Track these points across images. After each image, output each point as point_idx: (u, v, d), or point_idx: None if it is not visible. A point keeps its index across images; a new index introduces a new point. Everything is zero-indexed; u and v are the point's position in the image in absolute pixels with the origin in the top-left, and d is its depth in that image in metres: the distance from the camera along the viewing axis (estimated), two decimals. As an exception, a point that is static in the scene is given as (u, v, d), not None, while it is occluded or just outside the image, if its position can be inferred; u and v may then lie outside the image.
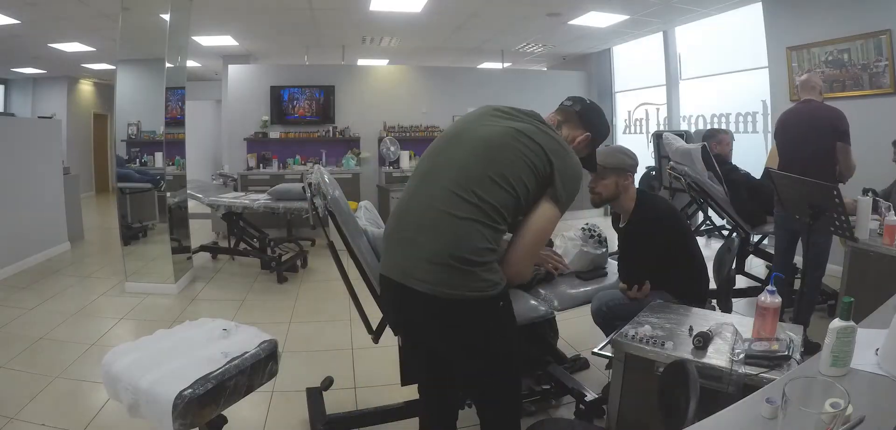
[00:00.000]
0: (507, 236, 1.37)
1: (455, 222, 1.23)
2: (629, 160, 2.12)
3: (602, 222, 2.64)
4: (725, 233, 4.83)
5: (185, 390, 1.21)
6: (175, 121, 4.22)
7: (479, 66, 8.74)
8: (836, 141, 2.81)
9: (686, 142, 3.86)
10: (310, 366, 2.74)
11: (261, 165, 6.68)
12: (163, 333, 1.59)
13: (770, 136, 4.94)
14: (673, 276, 2.09)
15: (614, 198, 2.12)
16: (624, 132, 7.82)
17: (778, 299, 1.49)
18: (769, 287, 1.51)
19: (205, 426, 1.46)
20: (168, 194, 4.24)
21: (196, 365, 1.29)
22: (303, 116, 7.05)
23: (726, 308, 2.33)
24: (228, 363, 1.32)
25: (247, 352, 1.38)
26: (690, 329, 1.61)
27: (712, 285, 2.41)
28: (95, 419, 2.22)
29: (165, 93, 3.96)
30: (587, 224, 2.44)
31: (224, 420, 1.76)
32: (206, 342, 1.46)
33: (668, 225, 2.11)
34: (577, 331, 2.88)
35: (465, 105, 7.68)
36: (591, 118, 1.54)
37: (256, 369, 1.33)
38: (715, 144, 3.68)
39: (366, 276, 1.72)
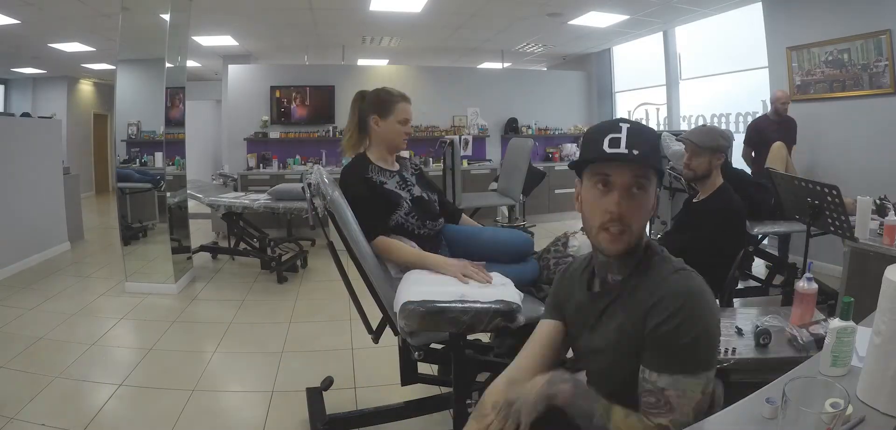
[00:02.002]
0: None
1: None
2: (725, 141, 2.23)
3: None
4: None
5: (410, 302, 1.51)
6: (175, 121, 4.22)
7: (479, 66, 8.74)
8: None
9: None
10: (310, 366, 2.74)
11: (261, 165, 6.68)
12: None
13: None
14: (702, 270, 2.07)
15: (706, 176, 2.23)
16: (624, 132, 7.80)
17: (815, 286, 1.61)
18: (807, 275, 1.61)
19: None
20: (168, 194, 4.24)
21: (439, 294, 1.56)
22: (303, 116, 7.05)
23: (727, 306, 2.34)
24: (458, 300, 1.55)
25: (479, 301, 1.56)
26: (739, 330, 1.65)
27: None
28: (95, 419, 2.22)
29: (165, 93, 3.96)
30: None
31: (331, 381, 2.35)
32: (460, 285, 1.65)
33: (735, 223, 2.18)
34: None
35: (465, 105, 7.70)
36: None
37: (480, 315, 1.54)
38: None
39: (366, 276, 1.72)
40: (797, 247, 3.95)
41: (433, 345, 1.82)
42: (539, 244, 2.15)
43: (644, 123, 7.29)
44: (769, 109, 4.44)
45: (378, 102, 1.97)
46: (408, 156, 2.06)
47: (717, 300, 2.34)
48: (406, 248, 1.82)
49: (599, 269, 1.06)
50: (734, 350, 1.57)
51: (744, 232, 2.40)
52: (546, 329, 1.16)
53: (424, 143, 7.25)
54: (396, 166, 2.04)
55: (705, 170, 2.23)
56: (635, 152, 0.94)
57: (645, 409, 0.92)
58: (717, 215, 2.16)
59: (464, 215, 2.23)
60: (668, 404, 0.90)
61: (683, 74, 6.54)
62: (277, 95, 6.97)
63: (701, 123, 6.09)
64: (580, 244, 2.34)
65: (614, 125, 0.98)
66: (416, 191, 2.00)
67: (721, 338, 1.62)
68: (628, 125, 0.97)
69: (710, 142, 2.20)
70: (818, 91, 4.45)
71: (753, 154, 4.44)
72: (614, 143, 0.95)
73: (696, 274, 0.97)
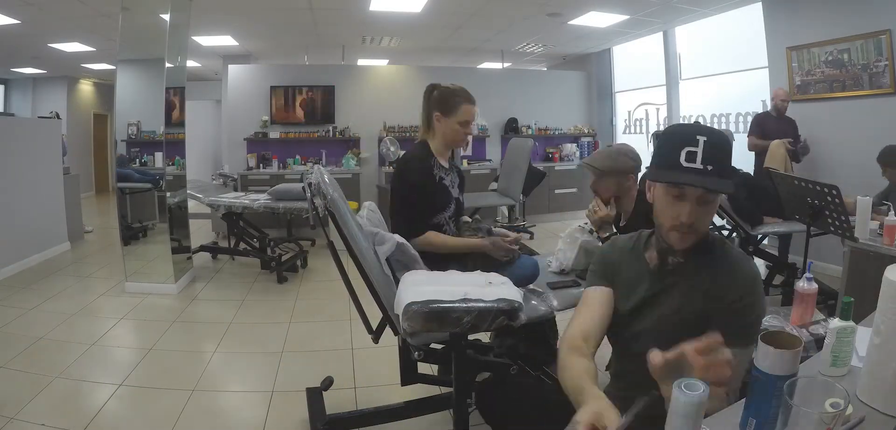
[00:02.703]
0: None
1: None
2: (630, 161, 2.06)
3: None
4: (725, 233, 4.83)
5: (414, 303, 1.52)
6: (175, 121, 4.22)
7: (479, 66, 8.74)
8: None
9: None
10: (310, 366, 2.74)
11: (261, 165, 6.68)
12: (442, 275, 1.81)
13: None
14: None
15: (618, 197, 2.08)
16: (624, 132, 7.82)
17: (815, 286, 1.61)
18: (807, 275, 1.60)
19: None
20: (168, 194, 4.24)
21: (441, 294, 1.56)
22: (303, 116, 7.05)
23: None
24: (461, 300, 1.55)
25: (482, 301, 1.56)
26: None
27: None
28: (95, 419, 2.22)
29: (165, 93, 3.96)
30: (585, 223, 2.44)
31: (331, 381, 2.37)
32: (468, 284, 1.66)
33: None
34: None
35: (465, 105, 7.69)
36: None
37: (483, 315, 1.54)
38: None
39: (366, 276, 1.72)
40: (797, 247, 3.95)
41: (433, 345, 1.82)
42: (538, 245, 2.16)
43: (644, 122, 7.34)
44: (769, 106, 4.49)
45: (442, 100, 2.03)
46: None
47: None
48: (450, 238, 1.97)
49: (661, 252, 1.15)
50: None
51: None
52: (600, 295, 1.20)
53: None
54: (447, 165, 2.11)
55: (613, 193, 2.05)
56: (710, 168, 1.00)
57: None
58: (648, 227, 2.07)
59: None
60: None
61: (683, 74, 6.54)
62: (277, 95, 6.97)
63: (701, 122, 6.10)
64: (564, 250, 2.33)
65: (691, 137, 1.02)
66: (457, 193, 2.12)
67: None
68: (705, 138, 1.01)
69: (611, 165, 2.02)
70: (818, 91, 4.45)
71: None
72: (691, 157, 1.00)
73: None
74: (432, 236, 1.94)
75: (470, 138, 2.11)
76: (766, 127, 4.35)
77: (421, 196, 1.95)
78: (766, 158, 3.93)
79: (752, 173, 4.23)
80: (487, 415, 1.43)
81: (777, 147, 3.97)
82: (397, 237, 1.89)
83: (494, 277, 1.71)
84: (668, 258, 1.13)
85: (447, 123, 2.02)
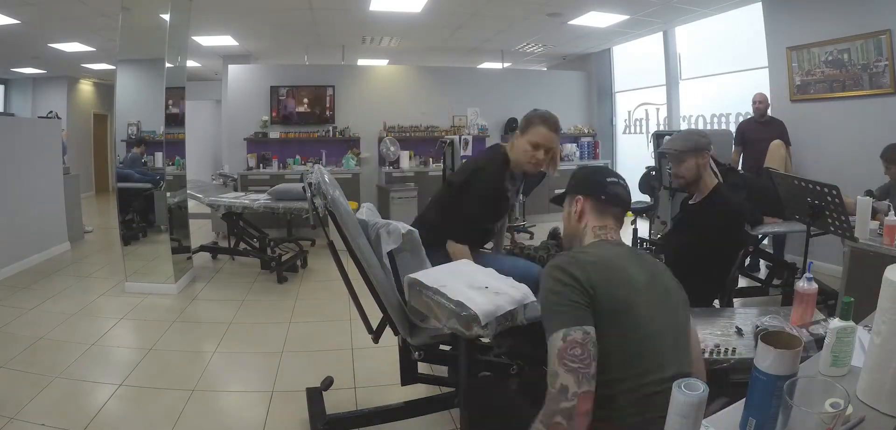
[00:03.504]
0: None
1: None
2: (704, 140, 2.19)
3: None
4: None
5: (486, 313, 1.46)
6: (175, 121, 4.22)
7: (479, 66, 8.74)
8: None
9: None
10: (310, 366, 2.74)
11: (261, 165, 6.68)
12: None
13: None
14: (701, 271, 2.07)
15: (696, 179, 2.19)
16: (624, 132, 7.82)
17: (815, 286, 1.61)
18: (807, 275, 1.60)
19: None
20: (168, 194, 4.24)
21: (498, 298, 1.52)
22: (303, 116, 7.05)
23: (726, 306, 2.34)
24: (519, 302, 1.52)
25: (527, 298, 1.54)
26: (739, 330, 1.65)
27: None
28: (95, 420, 2.22)
29: (165, 93, 3.96)
30: None
31: (331, 381, 2.38)
32: (492, 280, 1.65)
33: (733, 224, 2.17)
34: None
35: (465, 105, 7.70)
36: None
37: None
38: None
39: (366, 276, 1.72)
40: (797, 247, 3.95)
41: (441, 347, 1.83)
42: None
43: (644, 122, 7.34)
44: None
45: (525, 120, 2.08)
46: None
47: (717, 301, 2.35)
48: (464, 251, 1.98)
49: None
50: (734, 350, 1.56)
51: (743, 233, 2.38)
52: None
53: (424, 143, 7.25)
54: (517, 174, 2.17)
55: (694, 174, 2.18)
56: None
57: None
58: (715, 217, 2.14)
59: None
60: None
61: (683, 74, 6.53)
62: (277, 95, 6.97)
63: (701, 123, 6.10)
64: None
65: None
66: (515, 198, 2.22)
67: (708, 337, 1.64)
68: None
69: (689, 145, 2.16)
70: (818, 91, 4.45)
71: (742, 154, 4.59)
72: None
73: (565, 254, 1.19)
74: (460, 249, 1.97)
75: (543, 166, 2.08)
76: (747, 134, 4.48)
77: (483, 208, 2.01)
78: (766, 158, 3.93)
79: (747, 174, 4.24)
80: (470, 417, 1.45)
81: (777, 147, 3.97)
82: (403, 227, 1.87)
83: (491, 273, 1.68)
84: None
85: (521, 140, 2.04)
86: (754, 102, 4.47)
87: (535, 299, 1.59)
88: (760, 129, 4.38)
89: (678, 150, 2.15)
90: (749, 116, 4.71)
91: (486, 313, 1.42)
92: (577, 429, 0.97)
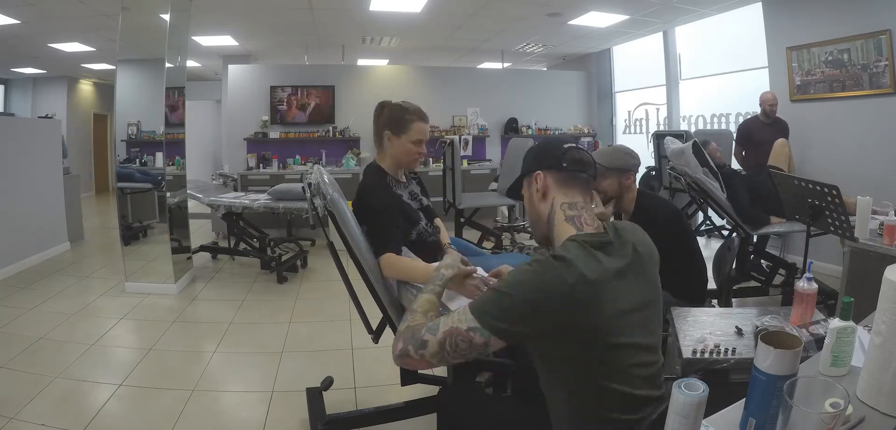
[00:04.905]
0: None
1: None
2: (631, 160, 2.14)
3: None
4: (725, 233, 4.84)
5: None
6: (175, 121, 4.21)
7: (479, 66, 8.74)
8: None
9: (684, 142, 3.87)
10: (310, 366, 2.74)
11: (261, 165, 6.68)
12: None
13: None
14: (673, 276, 2.09)
15: (617, 197, 2.15)
16: (624, 132, 7.82)
17: (815, 286, 1.60)
18: (807, 275, 1.60)
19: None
20: (168, 194, 4.24)
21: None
22: (303, 116, 7.05)
23: (726, 306, 2.34)
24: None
25: None
26: (739, 330, 1.65)
27: (711, 284, 2.41)
28: (95, 419, 2.22)
29: (165, 93, 3.96)
30: None
31: (331, 381, 2.37)
32: None
33: (668, 226, 2.11)
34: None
35: (465, 105, 7.70)
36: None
37: None
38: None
39: (366, 276, 1.72)
40: (797, 247, 3.95)
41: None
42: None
43: (644, 123, 7.35)
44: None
45: (393, 118, 1.94)
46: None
47: (715, 301, 2.35)
48: (416, 264, 1.74)
49: None
50: (734, 350, 1.56)
51: (687, 229, 2.30)
52: None
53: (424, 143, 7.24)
54: (404, 179, 2.05)
55: (615, 191, 2.15)
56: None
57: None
58: (650, 226, 2.09)
59: (438, 219, 2.18)
60: (450, 314, 1.04)
61: (683, 74, 6.54)
62: (277, 94, 6.97)
63: (701, 123, 6.10)
64: None
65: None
66: (424, 201, 2.05)
67: (708, 337, 1.63)
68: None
69: (615, 162, 2.13)
70: (818, 91, 4.45)
71: (744, 154, 4.53)
72: None
73: (541, 257, 1.01)
74: (393, 260, 1.72)
75: (422, 157, 1.97)
76: (754, 135, 4.36)
77: (386, 218, 1.79)
78: (770, 157, 3.93)
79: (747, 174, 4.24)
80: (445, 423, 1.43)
81: (781, 146, 3.97)
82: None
83: (480, 272, 1.67)
84: None
85: (398, 142, 1.92)
86: (764, 102, 4.32)
87: None
88: (767, 129, 4.28)
89: (603, 165, 2.09)
90: (752, 116, 4.63)
91: None
92: (405, 365, 1.07)
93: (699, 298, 2.15)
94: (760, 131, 4.34)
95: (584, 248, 1.00)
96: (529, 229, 1.50)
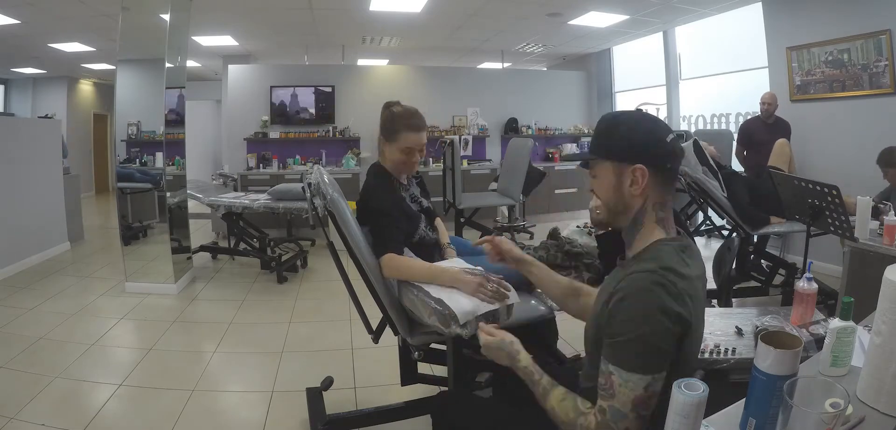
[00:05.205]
0: None
1: None
2: None
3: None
4: (725, 233, 4.84)
5: (477, 314, 1.49)
6: (175, 121, 4.22)
7: (479, 66, 8.74)
8: None
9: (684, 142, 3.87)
10: (310, 366, 2.74)
11: (261, 165, 6.68)
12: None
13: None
14: None
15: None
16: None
17: (815, 286, 1.61)
18: (806, 275, 1.61)
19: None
20: (168, 194, 4.24)
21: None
22: (302, 116, 7.05)
23: (726, 306, 2.34)
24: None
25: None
26: (739, 330, 1.65)
27: (711, 284, 2.41)
28: (95, 419, 2.22)
29: (165, 93, 3.96)
30: (584, 224, 2.45)
31: (331, 381, 2.36)
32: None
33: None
34: (578, 331, 2.87)
35: (465, 105, 7.70)
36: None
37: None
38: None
39: (366, 276, 1.72)
40: (797, 247, 3.95)
41: (433, 346, 1.82)
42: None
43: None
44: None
45: (385, 124, 1.90)
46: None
47: (715, 301, 2.35)
48: (416, 263, 1.73)
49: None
50: (734, 350, 1.57)
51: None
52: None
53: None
54: (405, 181, 2.04)
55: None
56: (585, 150, 1.02)
57: (598, 390, 0.96)
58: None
59: (438, 220, 2.18)
60: (611, 388, 0.93)
61: (683, 74, 6.53)
62: (277, 94, 6.97)
63: (701, 123, 6.10)
64: (570, 233, 2.34)
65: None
66: (424, 203, 2.04)
67: (708, 336, 1.62)
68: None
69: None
70: (818, 91, 4.45)
71: (745, 153, 4.54)
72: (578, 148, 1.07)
73: (657, 274, 0.93)
74: (394, 260, 1.69)
75: (416, 166, 1.95)
76: (754, 135, 4.38)
77: (388, 219, 1.76)
78: (771, 157, 3.93)
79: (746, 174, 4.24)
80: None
81: (782, 146, 3.97)
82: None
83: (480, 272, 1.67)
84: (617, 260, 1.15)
85: (390, 149, 1.89)
86: (763, 102, 4.34)
87: (519, 300, 1.59)
88: (767, 130, 4.30)
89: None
90: (753, 116, 4.64)
91: (465, 311, 1.44)
92: None
93: None
94: (760, 131, 4.35)
95: (678, 253, 0.98)
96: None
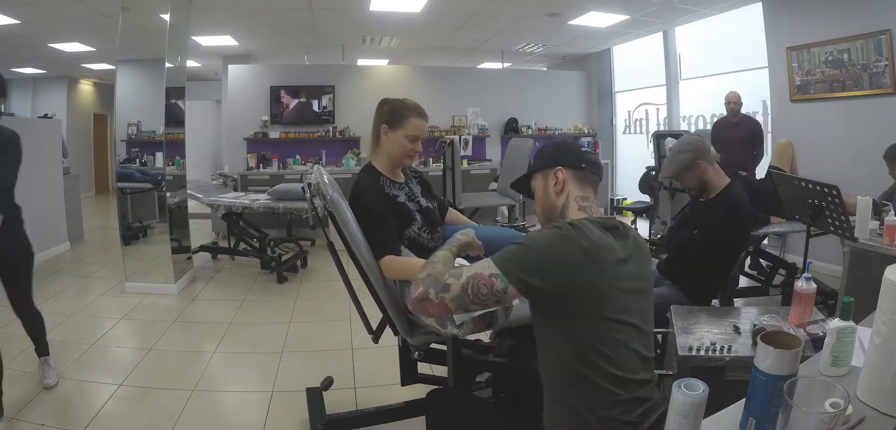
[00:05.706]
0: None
1: None
2: (686, 154, 2.20)
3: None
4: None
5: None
6: (175, 121, 4.21)
7: (479, 66, 8.74)
8: None
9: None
10: (310, 366, 2.74)
11: (261, 165, 6.68)
12: None
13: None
14: (702, 268, 2.13)
15: (701, 185, 2.23)
16: (624, 132, 7.82)
17: (813, 286, 1.60)
18: (805, 274, 1.60)
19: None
20: (168, 194, 4.24)
21: None
22: (303, 116, 7.05)
23: (727, 306, 2.34)
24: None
25: None
26: (737, 328, 1.65)
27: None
28: (95, 419, 2.22)
29: (165, 93, 3.96)
30: None
31: (331, 381, 2.38)
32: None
33: (738, 222, 2.16)
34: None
35: (465, 105, 7.70)
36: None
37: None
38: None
39: (365, 276, 1.72)
40: (797, 247, 3.95)
41: (433, 345, 1.82)
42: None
43: (644, 122, 7.35)
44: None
45: (391, 112, 1.92)
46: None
47: (716, 300, 2.35)
48: (416, 263, 1.70)
49: None
50: (730, 348, 1.57)
51: (747, 232, 2.37)
52: None
53: (424, 142, 7.24)
54: (402, 178, 2.01)
55: (697, 182, 2.22)
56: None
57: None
58: (721, 213, 2.14)
59: (451, 209, 2.19)
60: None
61: (683, 74, 6.54)
62: (277, 94, 6.97)
63: (701, 123, 6.10)
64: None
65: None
66: (423, 202, 2.00)
67: (706, 335, 1.63)
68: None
69: (675, 165, 2.24)
70: (818, 91, 4.45)
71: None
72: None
73: (558, 225, 1.13)
74: (394, 261, 1.70)
75: (417, 155, 1.97)
76: (722, 134, 4.46)
77: (376, 220, 1.76)
78: (774, 157, 3.94)
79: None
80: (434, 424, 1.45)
81: (785, 146, 3.99)
82: None
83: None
84: None
85: (394, 136, 1.89)
86: (727, 102, 4.45)
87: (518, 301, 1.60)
88: (731, 128, 4.42)
89: (668, 176, 2.31)
90: (720, 118, 4.70)
91: None
92: (421, 310, 1.12)
93: (707, 299, 2.18)
94: (725, 130, 4.46)
95: (596, 224, 1.13)
96: (539, 220, 1.47)
